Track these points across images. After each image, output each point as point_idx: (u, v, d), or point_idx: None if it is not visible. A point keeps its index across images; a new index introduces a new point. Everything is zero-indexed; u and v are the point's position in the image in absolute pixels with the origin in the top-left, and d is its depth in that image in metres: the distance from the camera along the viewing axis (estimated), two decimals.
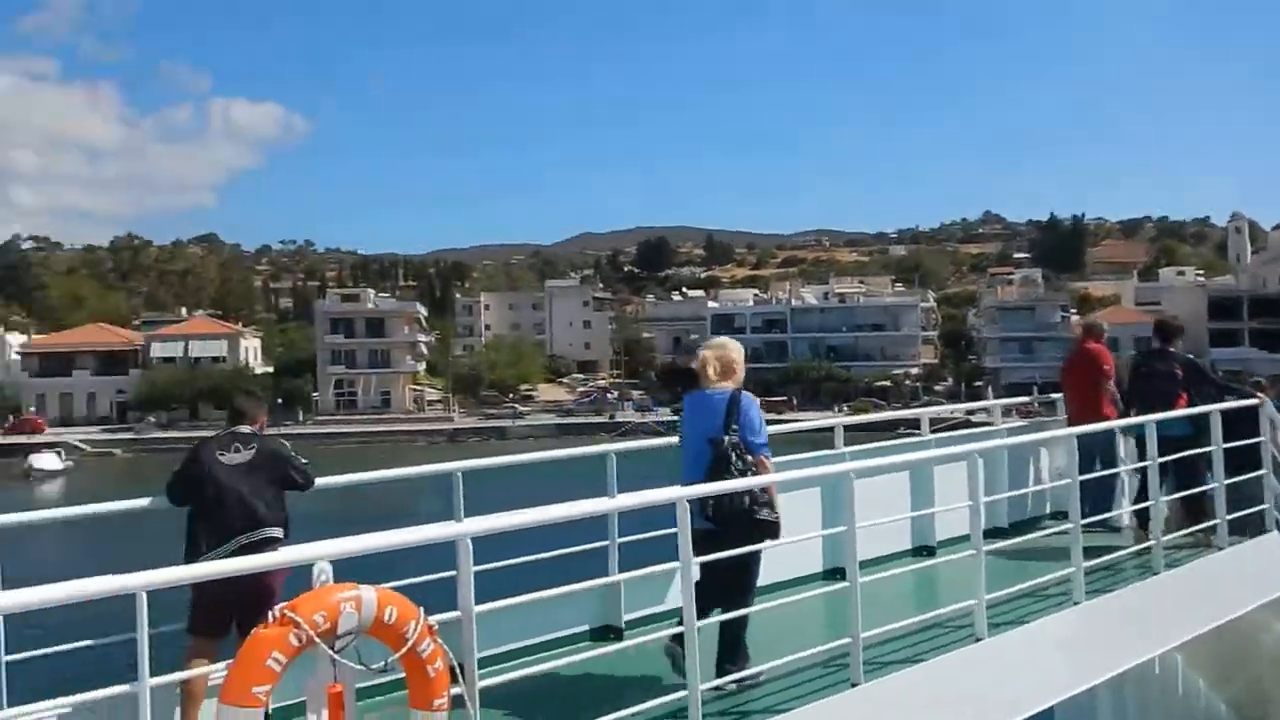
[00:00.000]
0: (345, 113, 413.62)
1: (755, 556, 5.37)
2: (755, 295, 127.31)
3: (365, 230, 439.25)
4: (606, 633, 6.13)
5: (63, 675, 4.70)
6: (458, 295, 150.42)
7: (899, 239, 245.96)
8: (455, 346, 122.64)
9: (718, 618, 5.20)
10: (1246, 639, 8.51)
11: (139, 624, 3.45)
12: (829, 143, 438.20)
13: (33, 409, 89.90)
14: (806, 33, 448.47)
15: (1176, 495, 8.00)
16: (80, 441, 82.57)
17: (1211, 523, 7.89)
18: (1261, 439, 8.19)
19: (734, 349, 5.75)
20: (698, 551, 4.84)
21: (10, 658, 4.55)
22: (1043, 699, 5.94)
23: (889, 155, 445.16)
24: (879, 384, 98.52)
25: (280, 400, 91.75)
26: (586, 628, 6.13)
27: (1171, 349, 8.79)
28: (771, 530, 5.35)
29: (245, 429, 5.30)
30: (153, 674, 3.54)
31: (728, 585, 5.27)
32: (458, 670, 3.96)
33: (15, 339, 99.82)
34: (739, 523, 5.22)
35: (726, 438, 5.36)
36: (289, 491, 5.22)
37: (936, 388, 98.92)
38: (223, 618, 4.75)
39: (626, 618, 6.21)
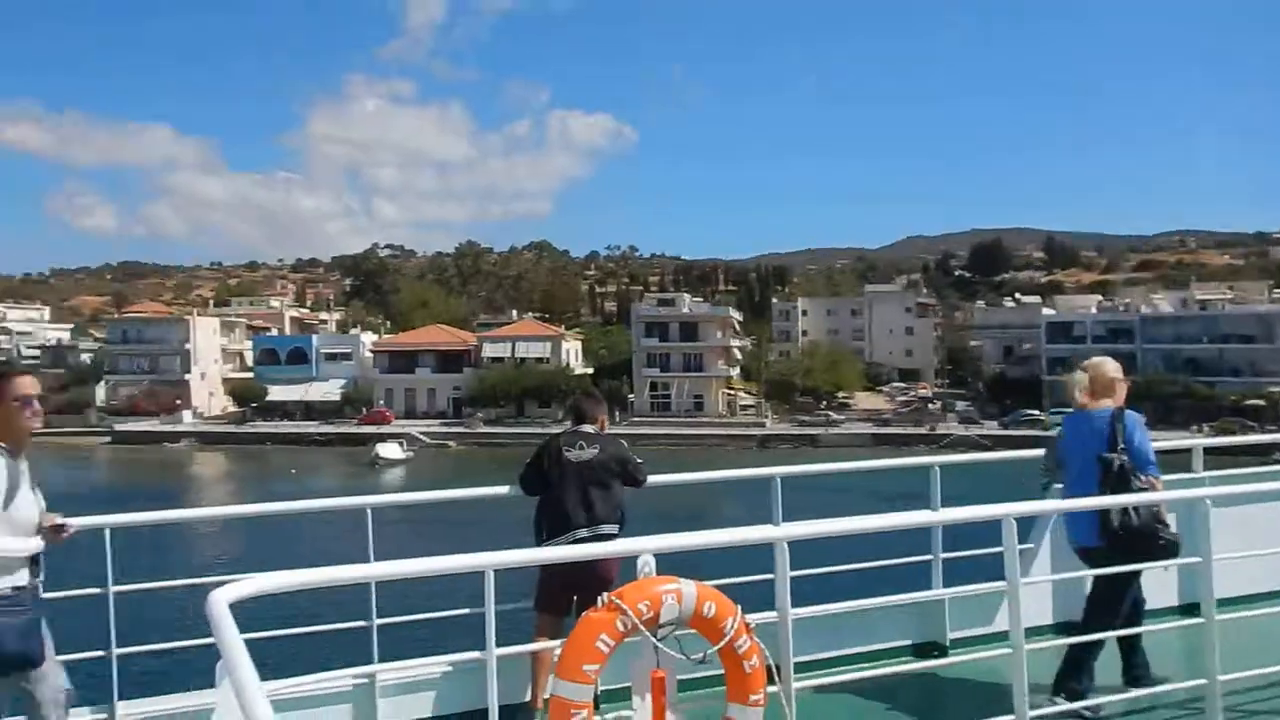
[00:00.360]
0: (669, 122, 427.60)
1: (1136, 579, 5.28)
2: (1099, 302, 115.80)
3: (688, 236, 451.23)
4: (929, 649, 6.02)
5: (417, 638, 5.32)
6: (774, 300, 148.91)
7: None
8: (771, 352, 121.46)
9: (1062, 640, 5.21)
10: None
11: (487, 599, 3.85)
12: (1189, 135, 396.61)
13: (382, 402, 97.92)
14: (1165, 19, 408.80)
15: None
16: (420, 433, 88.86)
17: None
18: None
19: (1112, 367, 5.69)
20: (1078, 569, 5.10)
21: (380, 620, 5.14)
22: None
23: (1266, 145, 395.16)
24: (1248, 403, 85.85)
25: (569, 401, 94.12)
26: (908, 642, 6.02)
27: None
28: (1172, 551, 5.25)
29: (588, 428, 5.64)
30: (498, 644, 3.97)
31: (1095, 603, 5.30)
32: (774, 670, 4.02)
33: (368, 338, 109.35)
34: (1142, 542, 5.16)
35: (1116, 457, 5.29)
36: (624, 487, 5.56)
37: None
38: (564, 599, 5.11)
39: (951, 635, 6.06)
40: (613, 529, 5.38)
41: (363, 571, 4.08)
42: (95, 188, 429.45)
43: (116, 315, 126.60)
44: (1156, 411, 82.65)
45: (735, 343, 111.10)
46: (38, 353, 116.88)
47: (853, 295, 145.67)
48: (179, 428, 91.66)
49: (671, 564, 4.05)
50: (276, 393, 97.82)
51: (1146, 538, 5.16)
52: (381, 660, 5.02)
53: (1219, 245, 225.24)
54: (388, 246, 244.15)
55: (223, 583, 3.21)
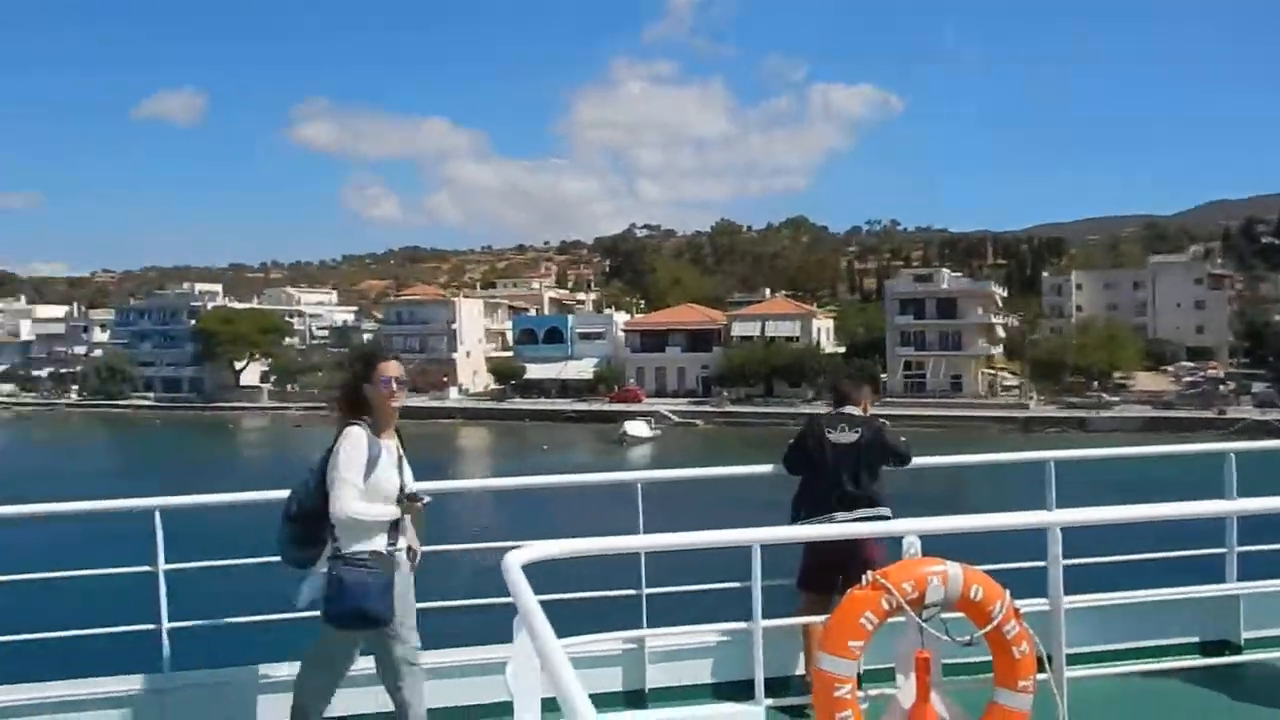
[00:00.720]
0: (938, 91, 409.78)
1: None
2: None
3: (957, 207, 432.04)
4: (1219, 648, 5.68)
5: (683, 607, 5.50)
6: (1045, 274, 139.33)
7: None
8: (1041, 329, 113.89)
9: None
10: None
11: (754, 573, 4.03)
12: None
13: (632, 380, 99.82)
14: None
15: None
16: (669, 411, 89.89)
17: None
18: None
19: None
20: None
21: (649, 590, 5.35)
22: None
23: None
24: None
25: (821, 380, 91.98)
26: (1195, 639, 5.70)
27: None
28: None
29: (851, 410, 5.61)
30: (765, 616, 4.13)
31: None
32: (1045, 659, 3.94)
33: (621, 318, 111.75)
34: None
35: None
36: (887, 469, 5.50)
37: None
38: (828, 578, 5.01)
39: (1246, 635, 5.71)
40: (874, 511, 5.35)
41: (638, 542, 4.47)
42: (381, 179, 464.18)
43: (393, 298, 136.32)
44: None
45: (998, 320, 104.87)
46: (326, 332, 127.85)
47: (1136, 267, 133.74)
48: (445, 404, 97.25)
49: (937, 548, 4.05)
50: (534, 371, 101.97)
51: None
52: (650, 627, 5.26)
53: None
54: (644, 227, 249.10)
55: (510, 548, 3.40)
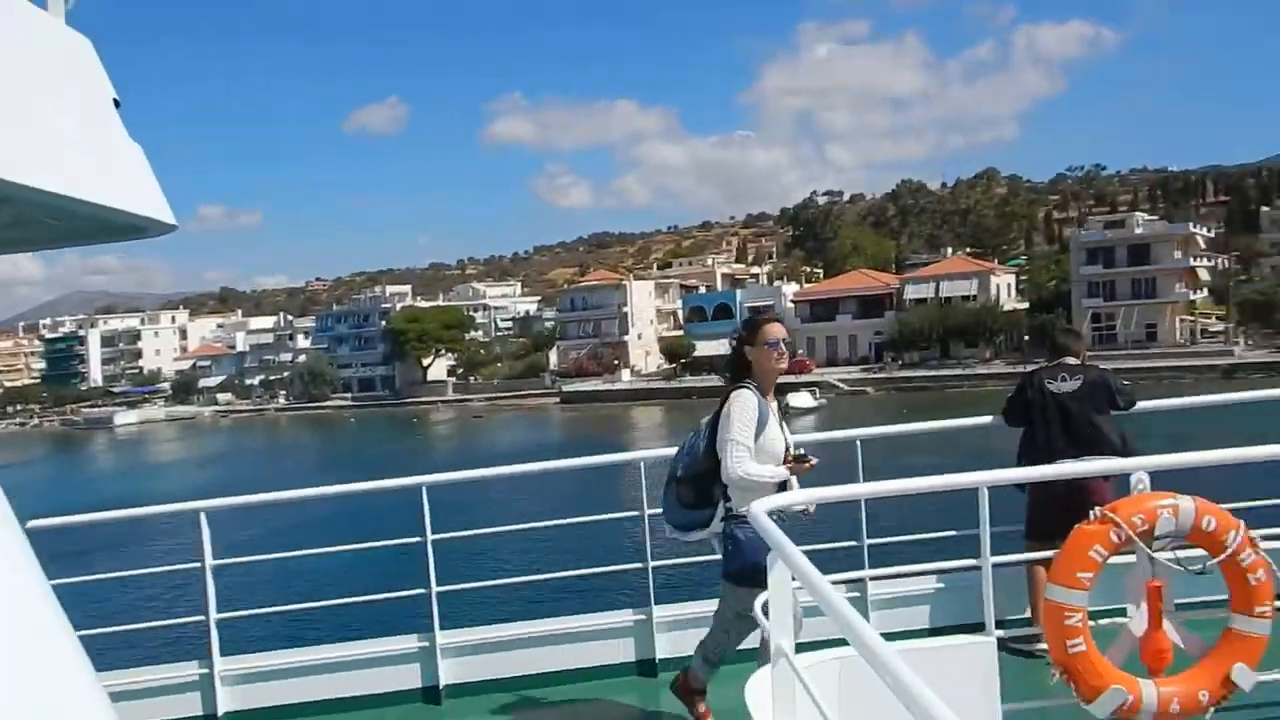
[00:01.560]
0: (1157, 20, 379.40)
1: None
2: None
3: (1179, 143, 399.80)
4: None
5: (907, 554, 5.55)
6: (1263, 209, 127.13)
7: None
8: (1261, 268, 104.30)
9: None
10: None
11: (981, 513, 4.08)
12: None
13: (802, 351, 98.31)
14: None
15: None
16: (838, 380, 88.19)
17: None
18: None
19: None
20: None
21: (871, 541, 5.64)
22: None
23: None
24: None
25: (1026, 337, 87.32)
26: None
27: None
28: None
29: (1070, 360, 5.77)
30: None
31: None
32: None
33: (790, 288, 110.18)
34: None
35: None
36: (1115, 413, 5.58)
37: None
38: (1056, 525, 4.87)
39: None
40: (1104, 456, 5.37)
41: (864, 489, 4.70)
42: (572, 168, 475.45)
43: (567, 286, 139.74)
44: None
45: (1200, 263, 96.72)
46: (510, 324, 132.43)
47: None
48: (616, 386, 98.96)
49: (1167, 485, 4.03)
50: (703, 348, 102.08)
51: None
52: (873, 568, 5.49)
53: None
54: (826, 193, 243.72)
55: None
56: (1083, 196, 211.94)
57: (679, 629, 5.58)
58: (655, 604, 5.61)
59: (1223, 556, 3.77)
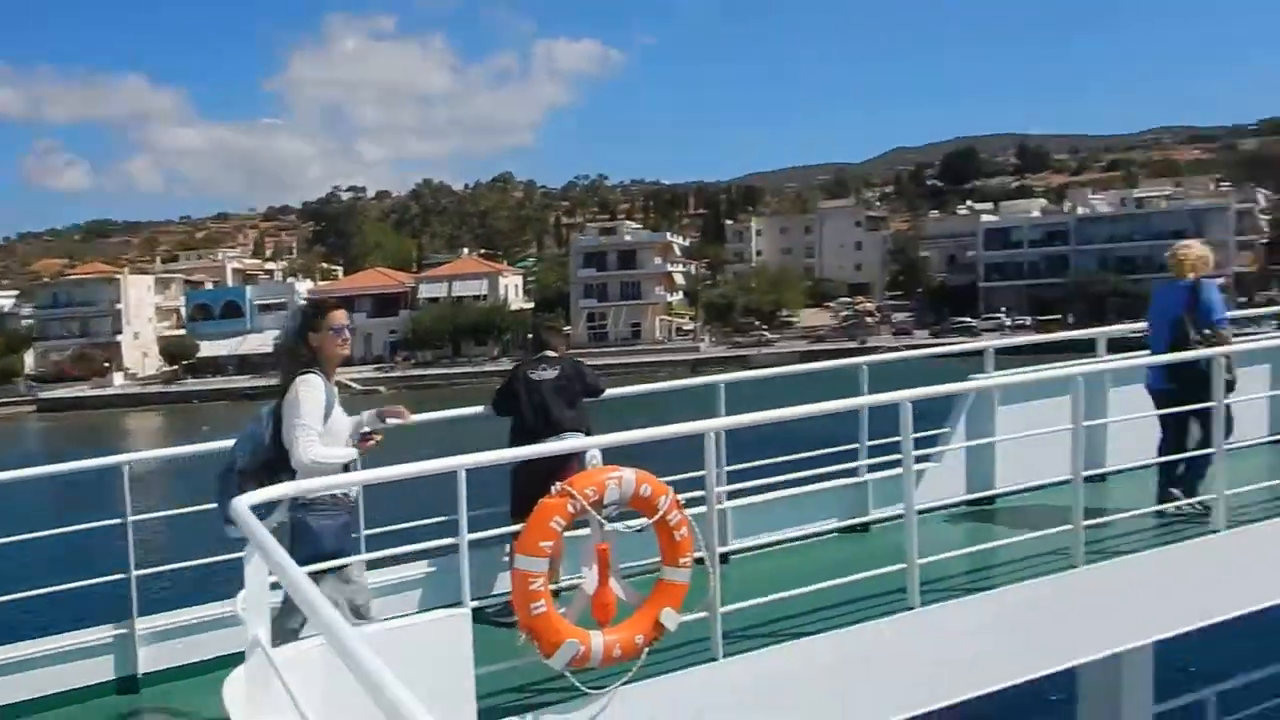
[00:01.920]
0: (660, 45, 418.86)
1: (1195, 416, 6.42)
2: (1044, 206, 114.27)
3: (670, 160, 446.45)
4: (855, 530, 6.70)
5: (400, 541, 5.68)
6: (727, 222, 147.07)
7: (1258, 130, 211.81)
8: (727, 274, 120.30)
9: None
10: None
11: (459, 496, 4.30)
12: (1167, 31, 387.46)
13: None
14: None
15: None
16: (350, 380, 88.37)
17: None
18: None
19: (1199, 247, 6.96)
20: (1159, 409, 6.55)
21: (368, 532, 5.74)
22: (1143, 634, 5.96)
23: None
24: None
25: (530, 335, 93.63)
26: (834, 523, 6.67)
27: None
28: (1230, 387, 6.33)
29: (551, 353, 6.25)
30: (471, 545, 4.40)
31: (1184, 434, 6.54)
32: (699, 540, 4.52)
33: (304, 286, 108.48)
34: (1198, 383, 6.23)
35: (1185, 315, 6.61)
36: (590, 400, 6.16)
37: (1257, 298, 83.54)
38: (530, 502, 5.14)
39: (874, 515, 6.72)
40: (577, 437, 5.80)
41: (352, 478, 4.63)
42: (68, 144, 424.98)
43: (48, 279, 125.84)
44: (1091, 311, 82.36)
45: (677, 268, 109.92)
46: None
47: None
48: (107, 391, 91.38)
49: (624, 460, 4.63)
50: (208, 348, 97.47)
51: (1201, 379, 6.25)
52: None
53: (1192, 140, 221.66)
54: (349, 189, 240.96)
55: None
56: (589, 204, 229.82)
57: (165, 640, 5.41)
58: (139, 616, 5.36)
59: (656, 518, 4.42)
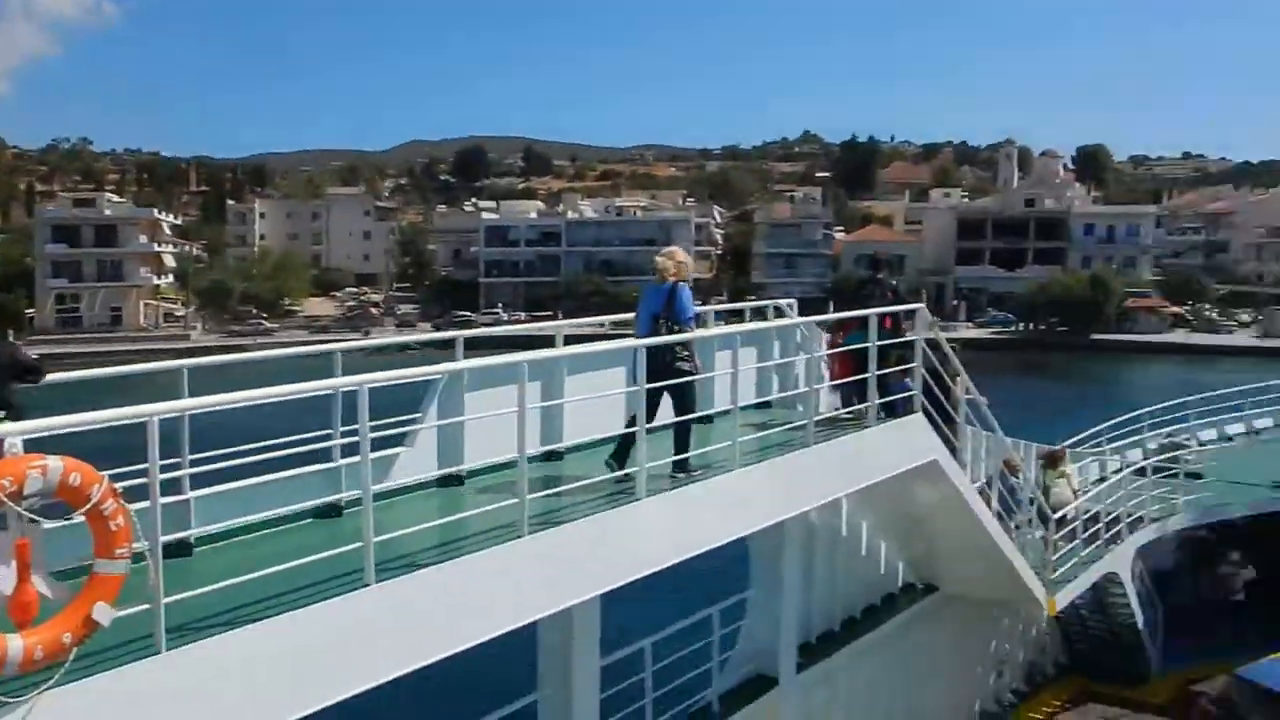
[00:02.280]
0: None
1: (683, 390, 7.82)
2: (540, 208, 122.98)
3: (176, 130, 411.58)
4: (328, 511, 6.69)
5: None
6: (230, 202, 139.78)
7: (721, 155, 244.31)
8: (228, 257, 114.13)
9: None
10: (898, 495, 11.74)
11: None
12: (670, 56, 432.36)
13: None
14: None
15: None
16: None
17: (863, 405, 9.91)
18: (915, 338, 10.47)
19: (680, 253, 8.36)
20: (653, 392, 7.39)
21: None
22: (743, 528, 8.40)
23: (728, 72, 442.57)
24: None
25: None
26: (311, 505, 6.52)
27: (880, 276, 11.02)
28: (688, 375, 7.84)
29: None
30: None
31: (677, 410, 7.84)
32: (139, 529, 4.42)
33: None
34: (668, 370, 7.67)
35: (663, 314, 7.94)
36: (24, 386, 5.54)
37: (710, 302, 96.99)
38: None
39: (348, 497, 6.71)
40: None
41: None
42: None
43: None
44: (581, 308, 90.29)
45: (167, 248, 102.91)
46: None
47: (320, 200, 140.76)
48: None
49: (87, 457, 4.34)
50: None
51: (669, 367, 7.67)
52: None
53: (671, 159, 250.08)
54: None
55: None
56: (70, 171, 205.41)
57: None
58: None
59: (88, 508, 4.19)
